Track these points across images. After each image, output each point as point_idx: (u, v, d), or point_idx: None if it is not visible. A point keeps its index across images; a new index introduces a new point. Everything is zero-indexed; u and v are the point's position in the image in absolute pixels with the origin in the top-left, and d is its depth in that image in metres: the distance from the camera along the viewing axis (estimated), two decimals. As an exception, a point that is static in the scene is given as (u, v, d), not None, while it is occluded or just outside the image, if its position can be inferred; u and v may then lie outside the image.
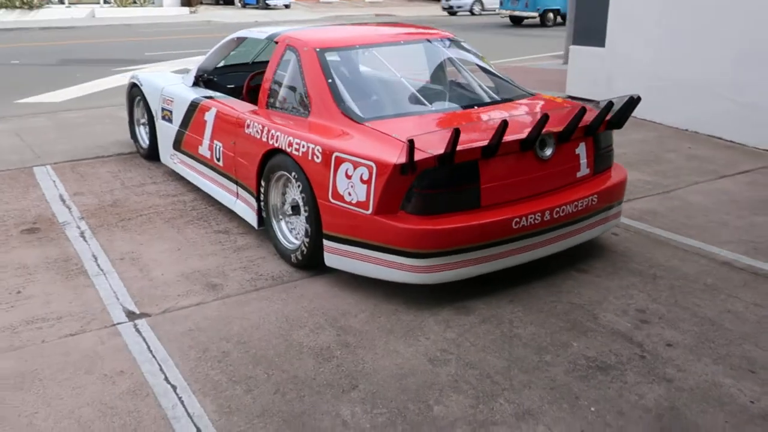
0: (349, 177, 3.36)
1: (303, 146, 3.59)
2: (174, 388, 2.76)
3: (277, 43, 4.40)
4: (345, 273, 3.70)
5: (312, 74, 3.97)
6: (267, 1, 31.72)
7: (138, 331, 3.22)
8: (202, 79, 5.28)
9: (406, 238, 3.25)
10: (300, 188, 3.66)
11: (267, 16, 27.70)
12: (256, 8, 31.81)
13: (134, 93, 5.94)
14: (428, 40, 4.49)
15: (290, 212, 3.92)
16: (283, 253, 3.97)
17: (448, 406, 2.64)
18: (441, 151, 3.15)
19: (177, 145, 5.24)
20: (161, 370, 2.89)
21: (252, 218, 4.25)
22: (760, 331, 3.20)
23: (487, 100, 4.04)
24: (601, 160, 3.90)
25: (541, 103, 4.13)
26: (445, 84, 4.22)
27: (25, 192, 5.21)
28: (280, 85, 4.26)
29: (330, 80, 3.89)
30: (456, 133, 3.07)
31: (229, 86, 5.32)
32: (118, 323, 3.29)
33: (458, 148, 3.11)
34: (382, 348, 3.06)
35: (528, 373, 2.86)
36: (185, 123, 5.05)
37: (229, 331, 3.21)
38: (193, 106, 4.91)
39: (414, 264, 3.29)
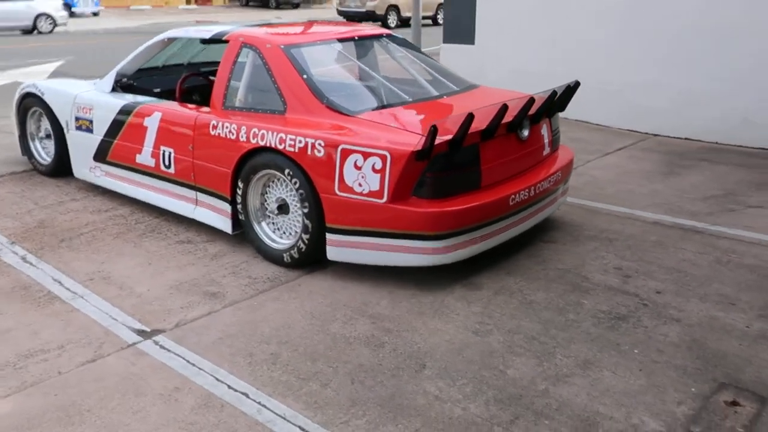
0: (358, 168, 3.40)
1: (299, 142, 3.55)
2: (245, 394, 2.64)
3: (227, 41, 4.26)
4: (343, 265, 3.72)
5: (282, 71, 3.92)
6: (72, 9, 29.28)
7: (163, 347, 3.00)
8: (121, 85, 4.91)
9: (425, 222, 3.36)
10: (297, 184, 3.61)
11: (76, 25, 25.57)
12: (60, 16, 29.20)
13: (28, 104, 5.35)
14: (375, 36, 4.61)
15: (276, 212, 3.84)
16: (269, 255, 3.88)
17: (518, 368, 2.82)
18: (451, 135, 3.31)
19: (101, 156, 4.83)
20: (218, 380, 2.74)
21: (224, 224, 4.08)
22: (716, 272, 3.76)
23: (454, 88, 4.27)
24: (555, 140, 4.30)
25: (496, 91, 4.45)
26: (406, 76, 4.37)
27: None
28: (238, 84, 4.14)
29: (305, 76, 3.87)
30: (470, 118, 3.26)
31: (154, 90, 5.00)
32: (134, 343, 3.04)
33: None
34: (423, 328, 3.15)
35: (564, 330, 3.13)
36: (113, 131, 4.68)
37: (262, 334, 3.11)
38: (125, 113, 4.57)
39: (432, 246, 3.42)
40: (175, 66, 5.54)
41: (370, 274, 3.67)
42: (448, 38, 9.19)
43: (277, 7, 35.86)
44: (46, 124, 5.36)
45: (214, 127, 3.99)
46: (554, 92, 3.89)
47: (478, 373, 2.79)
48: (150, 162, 4.47)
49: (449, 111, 3.89)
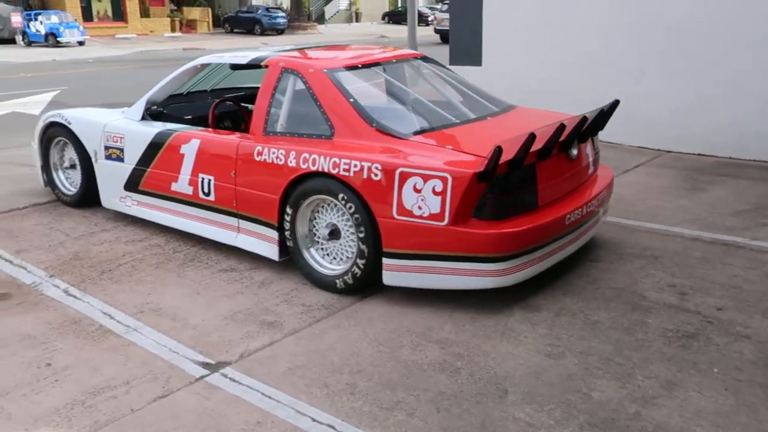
0: (418, 191, 3.37)
1: (355, 166, 3.51)
2: (332, 427, 2.57)
3: (267, 67, 4.23)
4: (397, 290, 3.67)
5: (327, 95, 3.89)
6: (58, 39, 29.17)
7: (233, 380, 2.91)
8: (150, 112, 4.85)
9: (488, 244, 3.33)
10: (352, 209, 3.56)
11: (63, 54, 25.48)
12: (46, 46, 29.08)
13: (53, 134, 5.26)
14: (410, 58, 4.61)
15: (327, 237, 3.78)
16: (319, 281, 3.81)
17: (603, 391, 2.77)
18: (509, 157, 3.29)
19: (132, 185, 4.75)
20: (300, 413, 2.66)
21: (270, 251, 4.01)
22: (770, 287, 3.76)
23: (495, 109, 4.26)
24: (597, 159, 4.31)
25: (535, 111, 4.46)
26: (446, 97, 4.35)
27: (-50, 257, 4.38)
28: (279, 109, 4.10)
29: (351, 99, 3.85)
30: (531, 138, 3.25)
31: (185, 117, 4.95)
32: (202, 377, 2.95)
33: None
34: (494, 352, 3.10)
35: (637, 351, 3.09)
36: (146, 160, 4.61)
37: (332, 363, 3.04)
38: (160, 141, 4.50)
39: (494, 268, 3.38)
40: (200, 92, 5.50)
41: (426, 298, 3.61)
42: (455, 59, 9.23)
43: (262, 33, 36.02)
44: (70, 154, 5.27)
45: (259, 153, 3.94)
46: (602, 111, 3.89)
47: (562, 397, 2.74)
48: (187, 190, 4.40)
49: (499, 132, 3.88)
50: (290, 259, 3.99)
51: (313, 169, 3.68)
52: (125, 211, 4.91)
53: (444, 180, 3.31)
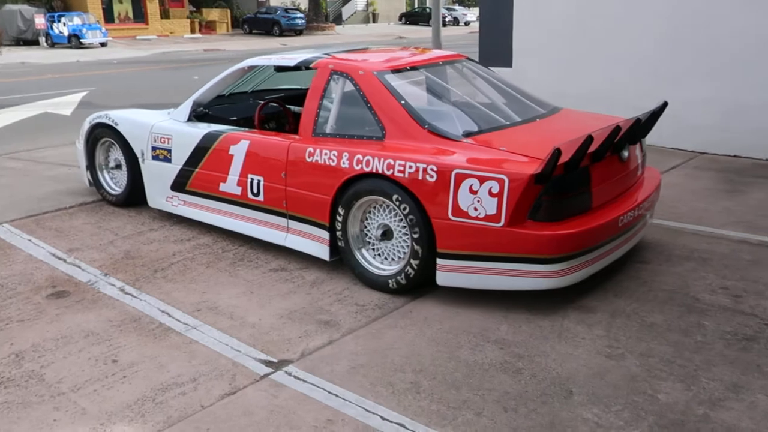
0: (474, 192, 3.39)
1: (410, 167, 3.54)
2: (402, 425, 2.60)
3: (316, 69, 4.27)
4: (448, 290, 3.70)
5: (378, 97, 3.93)
6: (81, 40, 29.50)
7: (298, 378, 2.95)
8: (196, 114, 4.91)
9: (545, 246, 3.34)
10: (406, 210, 3.59)
11: (86, 56, 25.78)
12: (69, 47, 29.43)
13: (99, 134, 5.34)
14: (455, 60, 4.63)
15: (380, 238, 3.82)
16: (371, 281, 3.85)
17: (668, 393, 2.78)
18: (567, 158, 3.31)
19: (180, 185, 4.82)
20: (368, 411, 2.69)
21: (320, 251, 4.06)
22: (825, 291, 3.74)
23: (542, 111, 4.28)
24: (644, 161, 4.31)
25: (582, 113, 4.47)
26: (493, 99, 4.37)
27: (4, 255, 4.45)
28: (329, 111, 4.14)
29: (402, 101, 3.88)
30: (589, 140, 3.26)
31: (230, 118, 5.01)
32: (267, 374, 2.99)
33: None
34: (554, 353, 3.12)
35: (698, 353, 3.09)
36: (194, 160, 4.67)
37: (393, 362, 3.07)
38: (208, 141, 4.56)
39: (550, 270, 3.39)
40: (241, 94, 5.56)
41: (478, 299, 3.64)
42: (484, 60, 9.22)
43: (281, 34, 36.21)
44: (116, 155, 5.35)
45: (311, 154, 3.98)
46: (653, 112, 3.90)
47: (628, 398, 2.75)
48: (236, 190, 4.45)
49: (549, 134, 3.89)
50: (340, 260, 4.03)
51: (367, 170, 3.71)
52: (171, 211, 4.98)
53: (501, 182, 3.33)
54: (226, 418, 2.67)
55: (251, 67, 4.80)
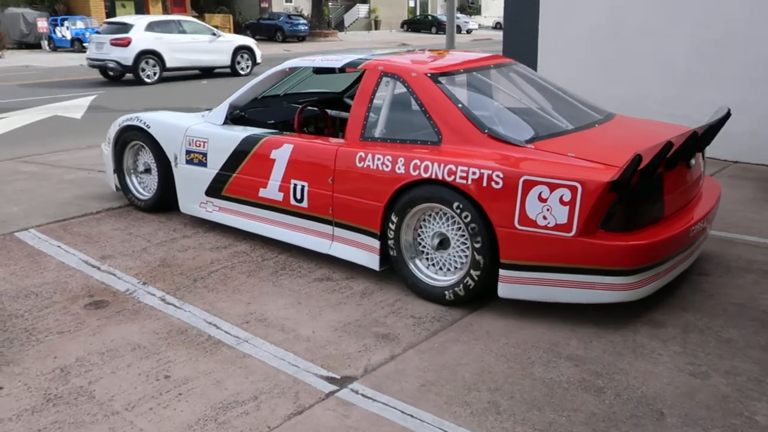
0: (543, 200, 3.22)
1: (473, 173, 3.37)
2: (488, 449, 2.42)
3: (365, 71, 4.10)
4: (507, 302, 3.52)
5: (433, 100, 3.76)
6: (84, 44, 29.26)
7: (366, 396, 2.77)
8: (233, 117, 4.74)
9: (619, 257, 3.17)
10: (468, 218, 3.42)
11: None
12: (71, 51, 29.23)
13: (129, 137, 5.16)
14: (506, 64, 4.47)
15: (436, 247, 3.64)
16: (425, 292, 3.67)
17: (767, 415, 2.61)
18: (645, 164, 3.14)
19: (215, 191, 4.64)
20: (449, 433, 2.52)
21: (369, 260, 3.88)
22: None
23: (599, 117, 4.11)
24: (704, 170, 4.15)
25: (638, 120, 4.31)
26: (547, 104, 4.21)
27: (35, 262, 4.26)
28: (378, 114, 3.97)
29: (459, 105, 3.72)
30: (668, 146, 3.10)
31: (269, 122, 4.83)
32: (332, 392, 2.81)
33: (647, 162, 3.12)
34: (633, 371, 2.95)
35: (786, 371, 2.93)
36: (231, 165, 4.49)
37: (465, 380, 2.89)
38: (248, 145, 4.39)
39: (623, 282, 3.22)
40: (274, 97, 5.38)
41: (541, 312, 3.47)
42: (509, 65, 9.11)
43: (284, 40, 36.08)
44: (145, 158, 5.17)
45: (362, 159, 3.81)
46: (720, 120, 3.74)
47: (726, 420, 2.57)
48: (277, 196, 4.28)
49: (614, 140, 3.74)
50: (390, 269, 3.86)
51: (425, 176, 3.54)
52: (205, 217, 4.80)
53: (573, 189, 3.16)
54: (298, 441, 2.49)
55: (292, 69, 4.63)
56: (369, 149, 3.83)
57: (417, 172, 3.57)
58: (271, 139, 4.32)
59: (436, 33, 45.48)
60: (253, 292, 3.82)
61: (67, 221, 5.06)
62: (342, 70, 4.32)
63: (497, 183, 3.32)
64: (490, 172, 3.34)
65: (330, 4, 45.26)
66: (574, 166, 3.26)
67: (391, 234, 3.74)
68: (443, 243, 3.63)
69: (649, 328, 3.34)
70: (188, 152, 4.76)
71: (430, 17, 48.60)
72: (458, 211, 3.45)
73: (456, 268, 3.62)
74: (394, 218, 3.71)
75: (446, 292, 3.59)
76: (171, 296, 3.76)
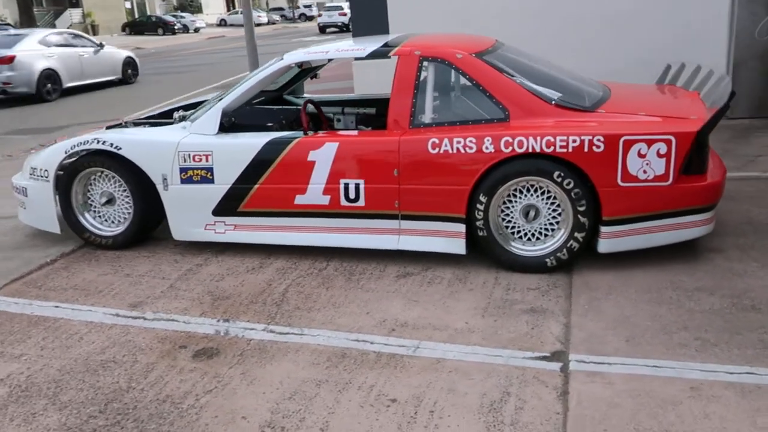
0: (642, 156, 3.53)
1: (573, 141, 3.54)
2: (750, 373, 2.68)
3: (398, 56, 3.98)
4: (597, 258, 3.78)
5: (492, 78, 3.83)
6: None
7: (599, 363, 2.84)
8: (226, 124, 4.23)
9: (705, 196, 3.63)
10: (570, 185, 3.58)
11: None
12: None
13: (82, 165, 4.27)
14: (502, 44, 4.58)
15: (527, 218, 3.75)
16: (524, 265, 3.76)
17: None
18: (709, 118, 3.60)
19: (228, 208, 4.11)
20: (710, 371, 2.72)
21: (452, 246, 3.84)
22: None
23: (604, 85, 4.47)
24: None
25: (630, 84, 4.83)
26: (568, 76, 4.39)
27: (53, 329, 3.38)
28: (425, 100, 3.90)
29: (518, 80, 3.85)
30: (726, 106, 3.60)
31: (268, 124, 4.39)
32: (565, 368, 2.82)
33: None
34: (758, 285, 3.43)
35: (842, 262, 3.66)
36: (252, 175, 4.03)
37: (650, 327, 3.10)
38: (274, 151, 3.97)
39: (706, 217, 3.69)
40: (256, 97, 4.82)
41: (627, 263, 3.75)
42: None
43: None
44: (103, 187, 4.35)
45: (435, 146, 3.73)
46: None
47: None
48: (322, 200, 3.97)
49: (655, 97, 4.13)
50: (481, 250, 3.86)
51: (520, 151, 3.61)
52: (212, 240, 4.23)
53: (668, 142, 3.52)
54: (599, 419, 2.47)
55: (299, 64, 4.28)
56: (437, 134, 3.76)
57: (509, 148, 3.63)
58: (305, 141, 3.97)
59: (164, 34, 43.21)
60: (356, 302, 3.54)
61: (26, 278, 4.05)
62: (368, 58, 4.12)
63: (598, 147, 3.54)
64: (590, 137, 3.55)
65: (36, 10, 40.20)
66: (661, 122, 3.62)
67: (479, 215, 3.75)
68: (532, 214, 3.76)
69: (732, 251, 3.85)
70: (184, 170, 4.13)
71: (154, 18, 45.94)
72: (559, 179, 3.60)
73: (547, 235, 3.77)
74: (482, 198, 3.72)
75: (547, 260, 3.73)
76: (275, 326, 3.32)
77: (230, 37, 38.46)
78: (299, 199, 4.01)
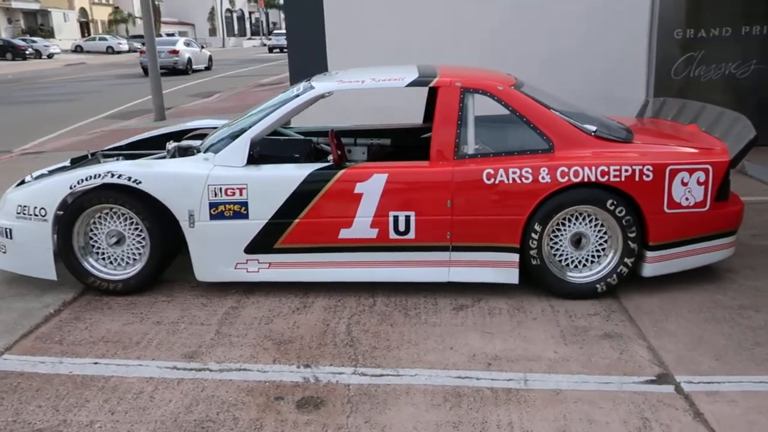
0: (685, 184, 3.77)
1: (626, 171, 3.70)
2: None
3: (438, 88, 3.97)
4: (638, 282, 3.95)
5: (533, 111, 3.92)
6: None
7: (705, 382, 2.95)
8: (256, 155, 3.97)
9: (734, 220, 3.94)
10: (622, 213, 3.73)
11: None
12: None
13: (90, 202, 3.81)
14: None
15: (577, 246, 3.85)
16: (575, 291, 3.85)
17: None
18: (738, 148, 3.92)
19: (264, 245, 3.84)
20: (807, 382, 2.92)
21: (505, 276, 3.86)
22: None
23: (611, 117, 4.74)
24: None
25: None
26: (582, 108, 4.55)
27: (106, 390, 2.94)
28: (467, 130, 3.90)
29: (557, 112, 3.97)
30: (754, 139, 3.93)
31: (294, 155, 4.15)
32: (680, 390, 2.90)
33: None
34: (788, 302, 3.75)
35: (841, 276, 4.10)
36: (291, 210, 3.80)
37: (727, 344, 3.28)
38: (317, 183, 3.78)
39: (731, 240, 4.00)
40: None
41: (667, 283, 3.98)
42: (296, 80, 9.07)
43: None
44: (111, 226, 3.90)
45: (490, 176, 3.74)
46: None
47: None
48: (369, 234, 3.83)
49: (673, 131, 4.40)
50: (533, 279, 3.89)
51: (575, 180, 3.71)
52: (243, 279, 3.92)
53: (706, 171, 3.78)
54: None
55: (330, 94, 4.11)
56: (489, 165, 3.78)
57: (566, 178, 3.72)
58: (351, 171, 3.82)
59: (14, 59, 39.85)
60: (431, 337, 3.43)
61: (35, 332, 3.51)
62: (408, 86, 4.04)
63: (648, 176, 3.73)
64: (640, 167, 3.73)
65: None
66: (699, 152, 3.88)
67: (533, 244, 3.79)
68: (580, 242, 3.86)
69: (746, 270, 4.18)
70: (214, 205, 3.81)
71: (1, 42, 42.21)
72: (612, 207, 3.74)
73: (593, 261, 3.89)
74: (537, 227, 3.77)
75: (597, 285, 3.84)
76: (365, 368, 3.12)
77: (92, 64, 36.28)
78: (344, 233, 3.83)
